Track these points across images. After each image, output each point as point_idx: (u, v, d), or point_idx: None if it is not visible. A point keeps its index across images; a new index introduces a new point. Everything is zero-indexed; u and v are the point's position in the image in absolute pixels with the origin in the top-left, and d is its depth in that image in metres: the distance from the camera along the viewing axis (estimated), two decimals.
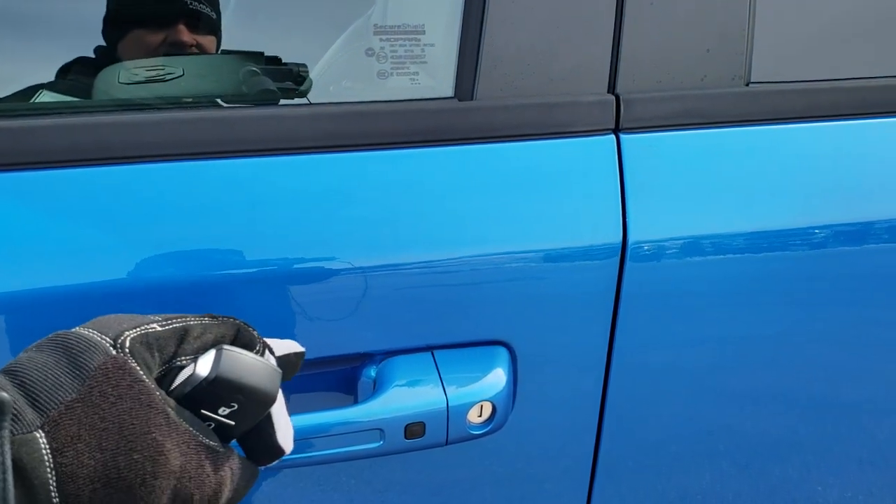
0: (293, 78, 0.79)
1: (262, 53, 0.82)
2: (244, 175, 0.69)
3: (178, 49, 0.89)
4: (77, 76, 0.87)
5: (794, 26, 0.84)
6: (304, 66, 0.80)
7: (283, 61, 0.81)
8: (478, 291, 0.74)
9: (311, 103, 0.76)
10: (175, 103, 0.75)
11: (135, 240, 0.66)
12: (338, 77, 0.82)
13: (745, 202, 0.80)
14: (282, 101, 0.77)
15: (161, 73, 0.84)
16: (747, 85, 0.82)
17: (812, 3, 0.85)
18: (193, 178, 0.68)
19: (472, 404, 0.72)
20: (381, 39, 0.76)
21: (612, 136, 0.78)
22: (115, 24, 0.88)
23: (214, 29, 0.91)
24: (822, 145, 0.84)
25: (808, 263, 0.82)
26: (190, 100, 0.77)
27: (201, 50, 0.90)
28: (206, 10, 0.90)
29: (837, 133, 0.84)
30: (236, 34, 0.98)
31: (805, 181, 0.82)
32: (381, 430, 0.69)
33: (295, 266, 0.69)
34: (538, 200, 0.75)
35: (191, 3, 0.90)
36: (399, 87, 0.76)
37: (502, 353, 0.76)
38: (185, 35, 0.89)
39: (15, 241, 0.64)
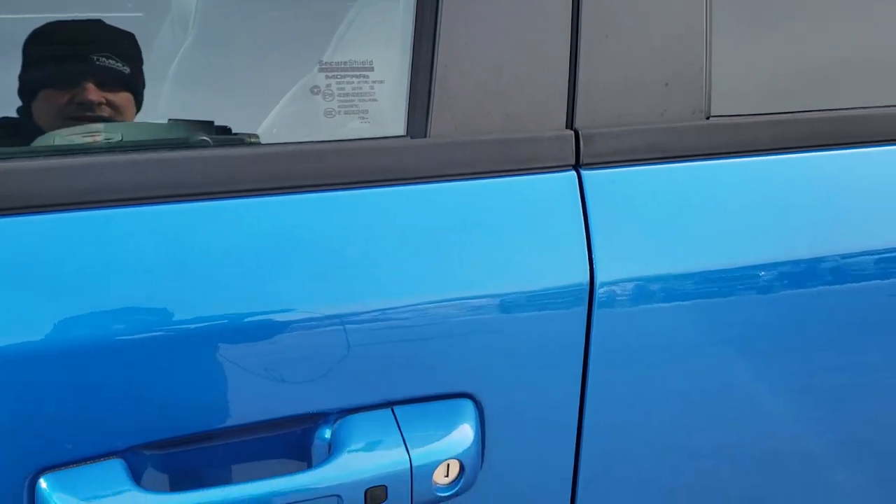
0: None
1: (211, 122, 0.77)
2: (177, 222, 0.63)
3: (86, 109, 0.86)
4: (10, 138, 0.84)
5: (752, 59, 0.82)
6: (256, 135, 0.76)
7: (233, 130, 0.77)
8: (439, 341, 0.68)
9: (252, 144, 0.71)
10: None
11: (49, 296, 0.59)
12: (283, 118, 0.78)
13: (715, 236, 0.76)
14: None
15: (98, 139, 0.80)
16: (708, 119, 0.80)
17: (768, 37, 0.83)
18: (113, 227, 0.62)
19: (437, 463, 0.66)
20: (326, 77, 0.72)
21: (574, 172, 0.74)
22: (25, 85, 0.86)
23: (130, 84, 0.88)
24: (787, 177, 0.81)
25: (784, 302, 0.78)
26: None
27: (113, 108, 0.87)
28: (118, 66, 0.88)
29: (802, 164, 0.82)
30: (183, 84, 0.94)
31: (771, 213, 0.79)
32: (338, 496, 0.62)
33: (235, 321, 0.63)
34: (498, 241, 0.71)
35: (97, 60, 0.87)
36: (348, 126, 0.72)
37: (468, 406, 0.70)
38: (93, 94, 0.86)
39: None
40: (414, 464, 0.65)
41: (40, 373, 0.58)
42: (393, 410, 0.68)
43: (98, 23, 0.91)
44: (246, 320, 0.63)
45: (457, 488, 0.67)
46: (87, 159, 0.63)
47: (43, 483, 0.60)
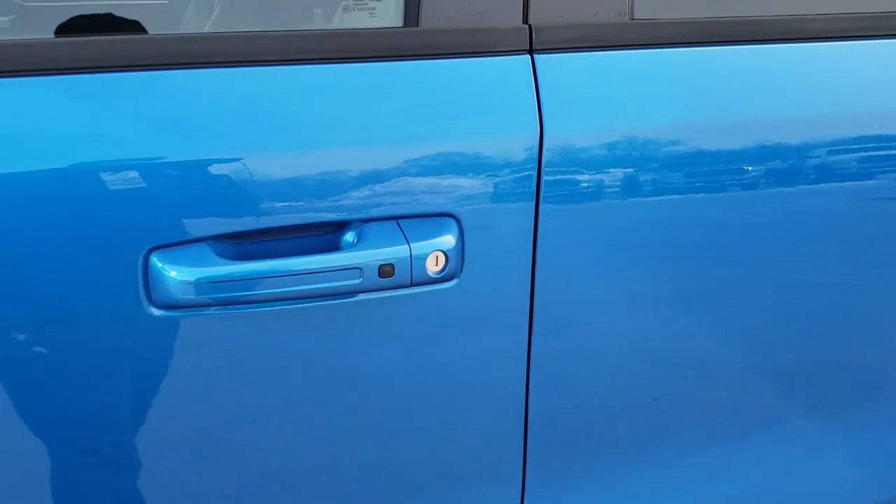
0: None
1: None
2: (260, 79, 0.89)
3: None
4: None
5: None
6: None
7: None
8: (429, 175, 0.94)
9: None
10: None
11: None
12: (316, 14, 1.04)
13: (631, 103, 1.03)
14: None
15: None
16: (632, 19, 1.06)
17: None
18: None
19: (429, 253, 0.92)
20: None
21: (528, 56, 1.00)
22: None
23: None
24: (690, 64, 1.08)
25: (675, 154, 1.05)
26: None
27: None
28: None
29: (701, 56, 1.08)
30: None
31: (673, 87, 1.05)
32: (360, 268, 0.89)
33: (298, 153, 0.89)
34: (470, 103, 0.97)
35: None
36: (359, 19, 0.98)
37: (451, 222, 0.96)
38: None
39: None
40: (413, 252, 0.91)
41: (157, 181, 0.84)
42: (398, 223, 0.94)
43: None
44: (303, 156, 0.89)
45: (443, 274, 0.93)
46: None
47: (154, 258, 0.85)
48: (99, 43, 0.87)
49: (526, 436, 1.08)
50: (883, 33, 1.15)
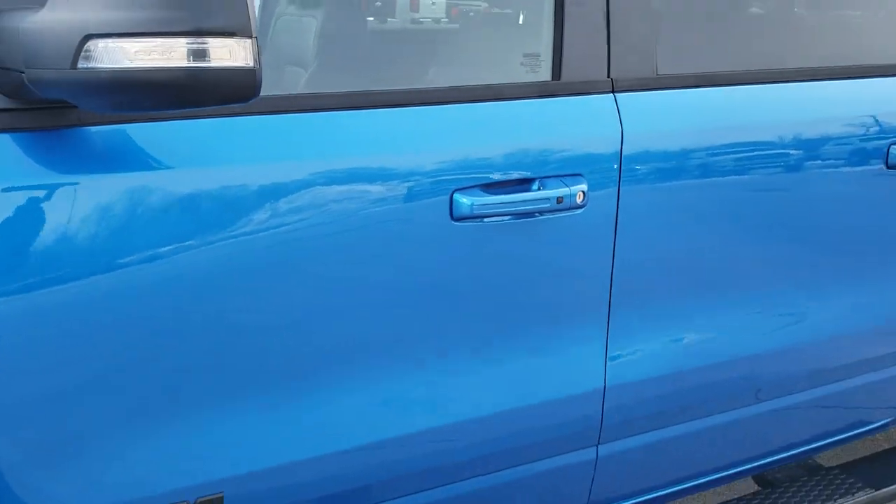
0: None
1: None
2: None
3: None
4: None
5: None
6: None
7: None
8: (568, 152, 1.89)
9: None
10: None
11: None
12: None
13: None
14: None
15: None
16: (657, 75, 2.04)
17: None
18: None
19: (577, 192, 1.86)
20: None
21: (612, 95, 1.96)
22: None
23: None
24: (695, 99, 2.06)
25: None
26: None
27: None
28: None
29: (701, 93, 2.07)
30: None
31: (687, 112, 2.04)
32: (549, 199, 1.82)
33: None
34: (588, 119, 1.93)
35: None
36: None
37: (582, 179, 1.91)
38: None
39: None
40: (571, 191, 1.85)
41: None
42: (561, 179, 1.87)
43: None
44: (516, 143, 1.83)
45: (584, 203, 1.87)
46: None
47: (455, 195, 1.77)
48: None
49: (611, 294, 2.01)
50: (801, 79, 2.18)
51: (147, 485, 1.55)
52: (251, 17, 1.16)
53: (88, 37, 1.19)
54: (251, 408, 1.62)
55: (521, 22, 2.14)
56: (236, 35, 1.16)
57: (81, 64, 1.21)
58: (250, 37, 1.17)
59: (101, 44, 1.20)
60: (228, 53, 1.18)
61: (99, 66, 1.20)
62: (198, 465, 1.60)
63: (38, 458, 1.44)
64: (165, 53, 1.19)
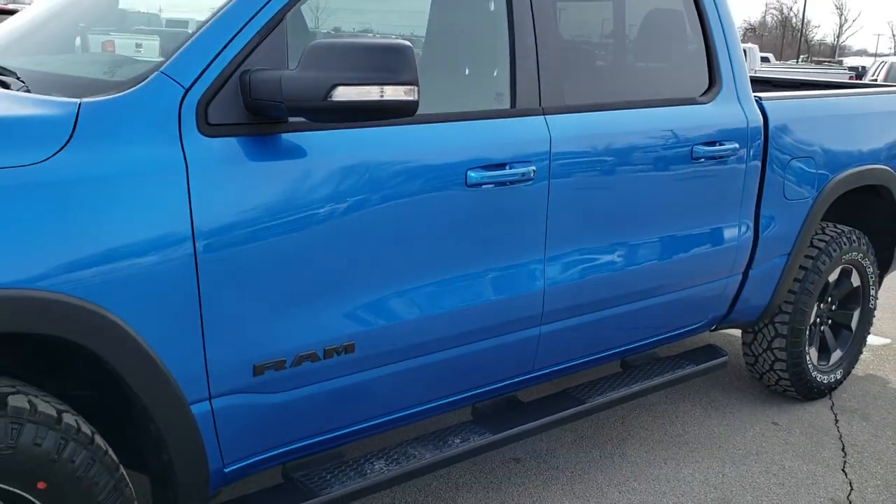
0: None
1: None
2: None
3: None
4: None
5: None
6: None
7: None
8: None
9: None
10: None
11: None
12: None
13: None
14: None
15: None
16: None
17: None
18: None
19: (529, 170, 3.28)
20: None
21: (543, 117, 3.41)
22: None
23: None
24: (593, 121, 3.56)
25: None
26: None
27: None
28: None
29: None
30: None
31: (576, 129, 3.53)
32: (521, 173, 3.22)
33: None
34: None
35: None
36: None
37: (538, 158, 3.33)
38: None
39: None
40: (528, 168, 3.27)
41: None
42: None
43: None
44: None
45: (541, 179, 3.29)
46: None
47: (469, 171, 3.13)
48: None
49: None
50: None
51: (330, 330, 2.82)
52: (417, 74, 2.51)
53: (335, 85, 2.48)
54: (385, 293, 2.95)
55: (495, 75, 3.54)
56: (412, 84, 2.50)
57: (329, 98, 2.49)
58: (417, 85, 2.51)
59: (340, 88, 2.49)
60: (403, 93, 2.52)
61: (338, 99, 2.49)
62: (347, 322, 2.88)
63: (280, 308, 2.68)
64: (373, 93, 2.50)
